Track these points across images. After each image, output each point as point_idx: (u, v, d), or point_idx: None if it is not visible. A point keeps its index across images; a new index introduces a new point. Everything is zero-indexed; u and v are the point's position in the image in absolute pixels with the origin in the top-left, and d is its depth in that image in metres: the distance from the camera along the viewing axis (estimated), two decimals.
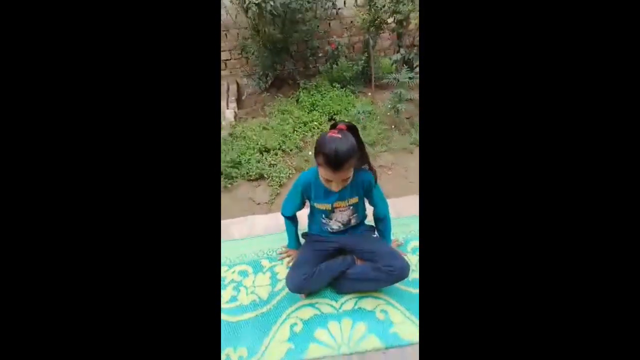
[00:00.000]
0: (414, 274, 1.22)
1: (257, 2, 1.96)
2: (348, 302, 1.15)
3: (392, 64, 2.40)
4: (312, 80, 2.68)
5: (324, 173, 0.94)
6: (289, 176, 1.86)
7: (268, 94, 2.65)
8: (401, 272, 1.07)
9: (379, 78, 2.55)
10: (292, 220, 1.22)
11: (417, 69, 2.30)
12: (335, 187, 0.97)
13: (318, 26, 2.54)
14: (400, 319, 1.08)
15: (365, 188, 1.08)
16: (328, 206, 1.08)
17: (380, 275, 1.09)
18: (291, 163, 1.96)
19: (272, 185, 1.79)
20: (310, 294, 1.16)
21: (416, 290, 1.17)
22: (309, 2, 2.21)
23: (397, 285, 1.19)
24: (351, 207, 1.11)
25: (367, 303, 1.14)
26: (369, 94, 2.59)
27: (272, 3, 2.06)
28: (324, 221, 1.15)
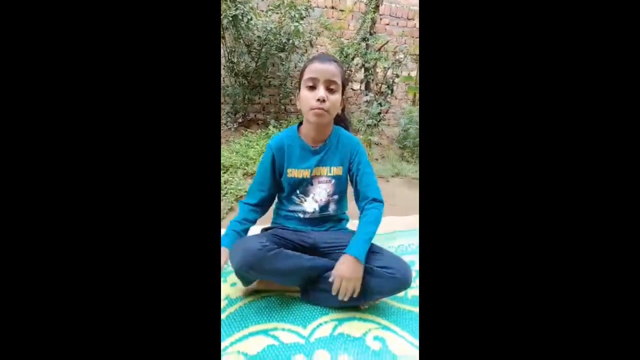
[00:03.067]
0: (413, 290, 0.88)
1: (233, 15, 1.96)
2: (323, 327, 0.74)
3: (359, 121, 2.47)
4: (283, 123, 2.62)
5: (309, 73, 0.74)
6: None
7: (235, 131, 2.50)
8: (405, 276, 0.73)
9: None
10: (250, 208, 0.85)
11: (385, 106, 2.38)
12: (320, 95, 0.72)
13: (295, 65, 2.61)
14: (405, 348, 0.69)
15: (353, 154, 0.83)
16: (306, 173, 0.82)
17: (375, 282, 0.73)
18: None
19: (224, 200, 1.44)
20: (259, 274, 0.74)
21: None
22: (285, 41, 2.33)
23: (393, 302, 0.83)
24: (333, 182, 0.84)
25: (352, 327, 0.74)
26: None
27: (249, 33, 2.12)
28: (297, 201, 0.86)
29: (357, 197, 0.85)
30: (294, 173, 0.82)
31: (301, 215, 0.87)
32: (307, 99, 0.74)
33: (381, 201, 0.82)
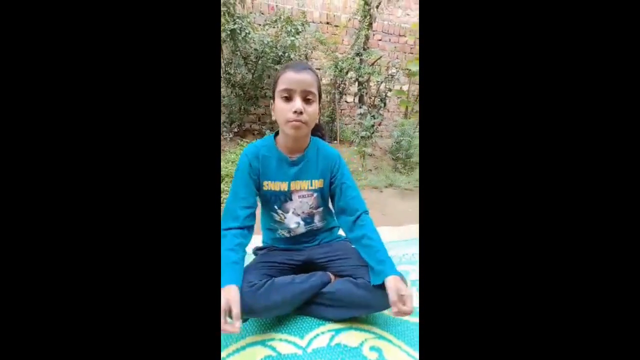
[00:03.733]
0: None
1: (231, 29, 2.02)
2: (320, 337, 0.75)
3: (353, 133, 2.53)
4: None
5: (283, 84, 0.69)
6: None
7: (231, 141, 2.52)
8: None
9: (343, 139, 2.64)
10: (238, 232, 0.72)
11: (378, 119, 2.44)
12: (297, 107, 0.68)
13: None
14: (401, 358, 0.70)
15: (335, 167, 0.80)
16: (284, 185, 0.78)
17: (367, 297, 0.74)
18: None
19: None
20: (254, 314, 0.71)
21: (415, 319, 0.82)
22: (281, 54, 2.38)
23: (389, 312, 0.84)
24: (315, 195, 0.80)
25: (349, 337, 0.75)
26: (335, 143, 2.60)
27: (246, 46, 2.17)
28: (277, 217, 0.82)
29: (342, 211, 0.80)
30: (270, 185, 0.77)
31: (287, 234, 0.84)
32: (283, 110, 0.69)
33: (367, 213, 0.81)
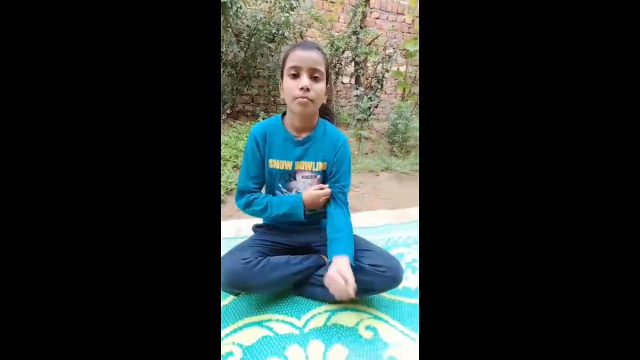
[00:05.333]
0: (403, 282, 0.90)
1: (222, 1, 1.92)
2: (317, 318, 0.75)
3: (350, 115, 2.47)
4: (272, 114, 2.60)
5: (291, 62, 0.70)
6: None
7: (223, 123, 2.45)
8: (396, 273, 0.74)
9: (339, 121, 2.59)
10: (254, 195, 0.80)
11: (375, 102, 2.39)
12: (303, 83, 0.69)
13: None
14: (396, 337, 0.71)
15: (339, 150, 0.80)
16: (288, 164, 0.78)
17: (366, 280, 0.73)
18: None
19: None
20: (247, 290, 0.75)
21: (410, 300, 0.83)
22: (275, 32, 2.28)
23: (384, 293, 0.85)
24: (318, 177, 0.81)
25: (345, 317, 0.76)
26: None
27: (238, 22, 2.07)
28: (280, 194, 0.82)
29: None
30: (275, 164, 0.78)
31: None
32: (290, 88, 0.71)
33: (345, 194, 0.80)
